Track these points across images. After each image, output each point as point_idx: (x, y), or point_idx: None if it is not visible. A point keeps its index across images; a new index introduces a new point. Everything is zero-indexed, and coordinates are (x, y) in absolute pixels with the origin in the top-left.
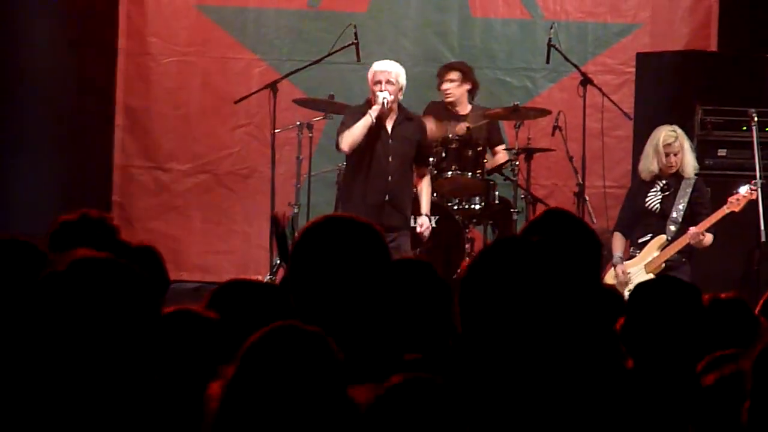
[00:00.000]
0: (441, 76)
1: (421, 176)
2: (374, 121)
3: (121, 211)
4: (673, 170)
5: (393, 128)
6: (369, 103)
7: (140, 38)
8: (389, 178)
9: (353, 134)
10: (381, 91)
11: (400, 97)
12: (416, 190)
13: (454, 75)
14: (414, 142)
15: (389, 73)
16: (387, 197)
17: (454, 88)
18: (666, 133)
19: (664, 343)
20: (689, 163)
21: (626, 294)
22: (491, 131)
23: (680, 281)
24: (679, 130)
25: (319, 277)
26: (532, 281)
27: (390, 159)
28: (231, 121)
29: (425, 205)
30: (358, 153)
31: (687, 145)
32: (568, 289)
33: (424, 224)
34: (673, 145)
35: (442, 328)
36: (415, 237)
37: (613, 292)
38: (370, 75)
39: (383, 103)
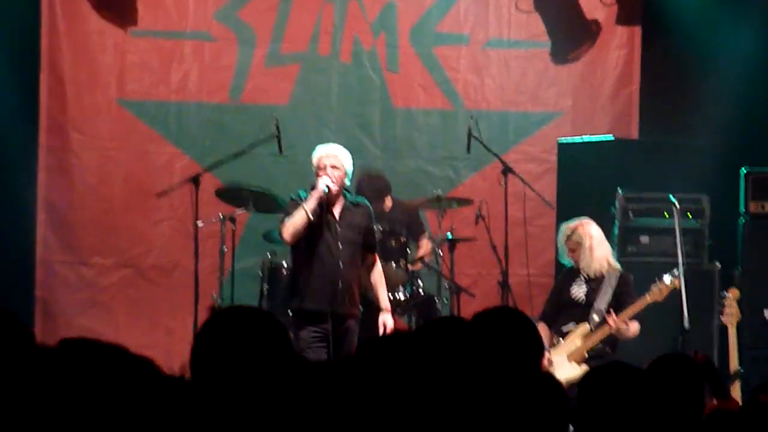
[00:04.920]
0: (378, 200)
1: (371, 263)
2: (310, 215)
3: (44, 306)
4: (580, 264)
5: (340, 214)
6: (314, 188)
7: (61, 133)
8: (340, 264)
9: (294, 223)
10: (324, 176)
11: (347, 182)
12: (372, 280)
13: (390, 201)
14: (361, 228)
15: (335, 158)
16: (340, 284)
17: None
18: (561, 230)
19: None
20: (589, 264)
21: None
22: (412, 221)
23: (630, 367)
24: (582, 229)
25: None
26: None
27: (340, 246)
28: (154, 214)
29: (384, 300)
30: (308, 240)
31: (588, 243)
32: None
33: (387, 324)
34: (565, 242)
35: None
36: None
37: (552, 377)
38: (315, 159)
39: (324, 189)
